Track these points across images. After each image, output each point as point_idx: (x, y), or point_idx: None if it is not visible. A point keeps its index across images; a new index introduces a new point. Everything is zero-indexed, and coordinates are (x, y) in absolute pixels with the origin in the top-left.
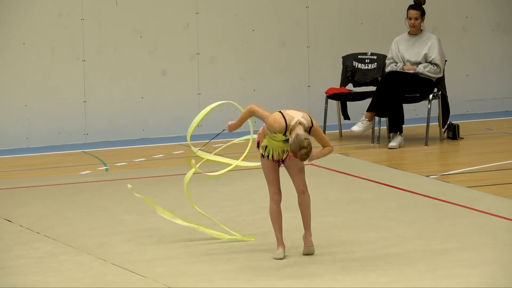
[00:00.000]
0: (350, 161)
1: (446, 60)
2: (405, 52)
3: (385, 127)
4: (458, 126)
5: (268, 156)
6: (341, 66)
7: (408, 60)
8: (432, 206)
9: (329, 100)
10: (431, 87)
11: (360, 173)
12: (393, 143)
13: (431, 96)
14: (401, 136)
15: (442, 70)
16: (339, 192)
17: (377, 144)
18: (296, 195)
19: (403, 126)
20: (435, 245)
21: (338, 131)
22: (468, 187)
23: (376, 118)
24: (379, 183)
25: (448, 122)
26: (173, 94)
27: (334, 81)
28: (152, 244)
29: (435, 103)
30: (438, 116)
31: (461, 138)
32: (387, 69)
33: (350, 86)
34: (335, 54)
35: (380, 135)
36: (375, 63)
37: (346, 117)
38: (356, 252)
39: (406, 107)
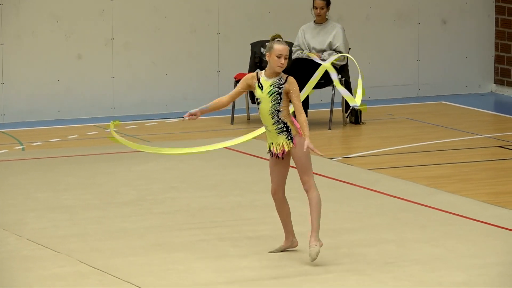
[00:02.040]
0: (258, 143)
1: (350, 48)
2: (310, 40)
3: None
4: (360, 111)
5: (270, 151)
6: (249, 53)
7: (313, 48)
8: (334, 187)
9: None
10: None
11: (266, 155)
12: None
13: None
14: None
15: (346, 58)
16: (246, 173)
17: None
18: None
19: (308, 110)
20: (337, 225)
21: (246, 114)
22: (369, 169)
23: None
24: None
25: (350, 107)
26: (88, 77)
27: (243, 67)
28: (66, 220)
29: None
30: (342, 102)
31: (363, 122)
32: (294, 56)
33: None
34: (244, 41)
35: None
36: None
37: (254, 101)
38: (262, 231)
39: (311, 93)
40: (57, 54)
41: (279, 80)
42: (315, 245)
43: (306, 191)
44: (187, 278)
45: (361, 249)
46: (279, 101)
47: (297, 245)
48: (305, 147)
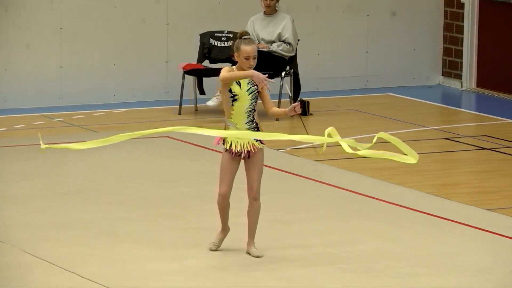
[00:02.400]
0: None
1: (299, 40)
2: (260, 31)
3: None
4: (308, 102)
5: (230, 148)
6: (198, 43)
7: (262, 39)
8: (281, 179)
9: (186, 75)
10: (284, 65)
11: (212, 146)
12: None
13: (283, 73)
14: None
15: (294, 49)
16: (193, 164)
17: None
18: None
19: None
20: (283, 216)
21: (193, 105)
22: (315, 160)
23: None
24: None
25: (299, 98)
26: (36, 67)
27: (192, 58)
28: (12, 210)
29: (287, 80)
30: (290, 93)
31: (311, 114)
32: None
33: (206, 63)
34: (193, 31)
35: None
36: (231, 41)
37: (202, 92)
38: (208, 221)
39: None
40: (5, 43)
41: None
42: (256, 248)
43: (253, 199)
44: (132, 268)
45: (307, 240)
46: (256, 100)
47: (229, 229)
48: (295, 109)
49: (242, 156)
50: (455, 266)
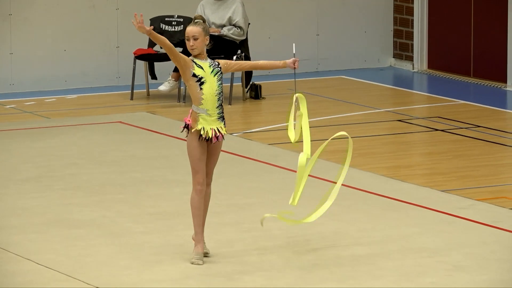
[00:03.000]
0: (157, 119)
1: (249, 23)
2: (210, 15)
3: None
4: (260, 86)
5: (202, 135)
6: None
7: (213, 23)
8: (236, 163)
9: (137, 60)
10: (235, 48)
11: (167, 130)
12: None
13: (234, 57)
14: None
15: (245, 33)
16: (146, 149)
17: (183, 103)
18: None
19: None
20: (238, 200)
21: (145, 90)
22: (269, 144)
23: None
24: (184, 140)
25: (250, 83)
26: None
27: (142, 43)
28: None
29: None
30: (241, 77)
31: (263, 97)
32: None
33: (157, 47)
34: (143, 16)
35: (186, 94)
36: (182, 25)
37: (154, 77)
38: (163, 207)
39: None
40: None
41: (213, 62)
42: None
43: (208, 185)
44: (88, 255)
45: (263, 223)
46: (222, 82)
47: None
48: (294, 63)
49: (211, 142)
50: (411, 248)
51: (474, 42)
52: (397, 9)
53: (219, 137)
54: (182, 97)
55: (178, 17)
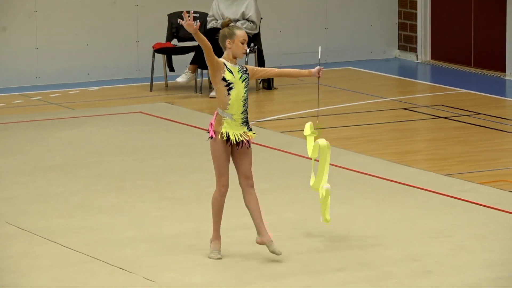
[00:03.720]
0: (176, 109)
1: (261, 18)
2: (224, 10)
3: (207, 78)
4: (272, 78)
5: (227, 139)
6: (166, 23)
7: (227, 18)
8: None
9: (156, 54)
10: (248, 42)
11: (185, 120)
12: (213, 93)
13: (248, 50)
14: None
15: (258, 27)
16: (165, 138)
17: (200, 94)
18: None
19: None
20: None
21: (164, 82)
22: (282, 132)
23: (199, 70)
24: (201, 129)
25: None
26: (13, 49)
27: (161, 37)
28: None
29: (252, 57)
30: None
31: (275, 88)
32: (208, 26)
33: (175, 41)
34: (161, 12)
35: (203, 85)
36: (198, 21)
37: (172, 69)
38: (181, 192)
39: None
40: None
41: (242, 68)
42: (272, 240)
43: (251, 187)
44: (110, 238)
45: (276, 207)
46: (249, 88)
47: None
48: (319, 72)
49: (237, 146)
50: (416, 229)
51: (475, 34)
52: (401, 3)
53: (243, 144)
54: (199, 88)
55: (195, 12)
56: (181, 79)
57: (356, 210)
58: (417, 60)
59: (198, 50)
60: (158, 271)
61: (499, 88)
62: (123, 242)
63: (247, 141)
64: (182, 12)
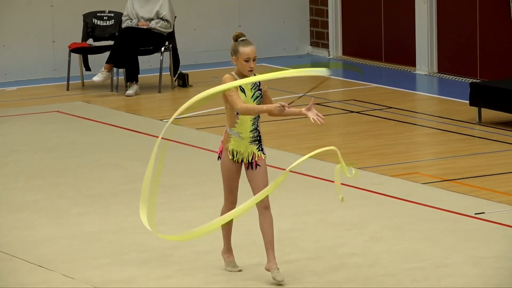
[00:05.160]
0: (92, 108)
1: (176, 16)
2: (139, 10)
3: (123, 77)
4: (187, 75)
5: (236, 159)
6: (82, 24)
7: (142, 17)
8: (167, 146)
9: (72, 53)
10: (162, 40)
11: (101, 118)
12: (130, 91)
13: (163, 48)
14: (137, 84)
15: (172, 25)
16: (82, 135)
17: (116, 92)
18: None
19: (139, 76)
20: (171, 181)
21: (80, 81)
22: (197, 128)
23: (115, 69)
24: (118, 127)
25: (178, 72)
26: None
27: (77, 37)
28: None
29: (167, 55)
30: (170, 67)
31: (190, 85)
32: (123, 25)
33: (90, 41)
34: (76, 12)
35: (118, 84)
36: (113, 20)
37: (88, 68)
38: (99, 189)
39: (141, 59)
40: None
41: (255, 83)
42: (278, 268)
43: (265, 208)
44: (29, 236)
45: (195, 202)
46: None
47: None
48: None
49: (254, 167)
50: (331, 221)
51: (385, 29)
52: (312, 0)
53: (252, 164)
54: (115, 86)
55: (109, 12)
56: (97, 78)
57: (272, 204)
58: (329, 56)
59: (113, 49)
60: (77, 268)
61: (410, 82)
62: (42, 240)
63: (255, 162)
64: (97, 12)
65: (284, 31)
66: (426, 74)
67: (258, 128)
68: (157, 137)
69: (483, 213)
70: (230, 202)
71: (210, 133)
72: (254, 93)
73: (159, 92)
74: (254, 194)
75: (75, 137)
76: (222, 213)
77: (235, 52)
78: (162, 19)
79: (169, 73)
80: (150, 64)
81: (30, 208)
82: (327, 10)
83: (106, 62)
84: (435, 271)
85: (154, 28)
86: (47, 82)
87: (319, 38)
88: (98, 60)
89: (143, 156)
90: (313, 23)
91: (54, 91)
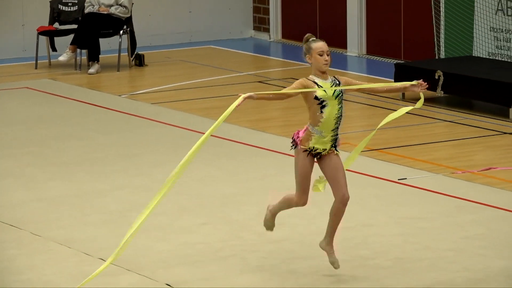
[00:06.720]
0: (58, 85)
1: (133, 3)
2: None
3: (85, 57)
4: (143, 55)
5: (314, 153)
6: (49, 9)
7: (102, 3)
8: (124, 119)
9: (40, 36)
10: (121, 25)
11: (67, 94)
12: (92, 70)
13: (121, 32)
14: (98, 64)
15: (130, 11)
16: (50, 110)
17: (79, 71)
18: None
19: (100, 56)
20: (128, 151)
21: (47, 61)
22: (152, 103)
23: (78, 50)
24: (82, 101)
25: (135, 52)
26: None
27: (44, 21)
28: None
29: (125, 38)
30: (127, 48)
31: (146, 65)
32: (86, 11)
33: (56, 25)
34: None
35: (82, 63)
36: (76, 6)
37: (54, 49)
38: (65, 157)
39: (102, 41)
40: None
41: (334, 80)
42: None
43: (344, 205)
44: (2, 199)
45: (147, 169)
46: (342, 106)
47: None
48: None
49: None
50: (271, 186)
51: (320, 15)
52: None
53: (327, 156)
54: (78, 65)
55: None
56: (62, 58)
57: (215, 171)
58: (270, 39)
59: (77, 32)
60: (44, 228)
61: (341, 63)
62: (13, 203)
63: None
64: None
65: (230, 16)
66: (356, 56)
67: (339, 127)
68: (116, 110)
69: (406, 178)
70: (302, 203)
71: (164, 107)
72: (335, 90)
73: (118, 70)
74: (337, 190)
75: (43, 111)
76: (291, 199)
77: (308, 50)
78: (121, 5)
79: (127, 53)
80: (110, 45)
81: (2, 175)
82: None
83: (71, 44)
84: (362, 230)
85: (113, 14)
86: (17, 61)
87: (261, 23)
88: (64, 42)
89: (104, 128)
90: (255, 10)
91: (24, 69)
